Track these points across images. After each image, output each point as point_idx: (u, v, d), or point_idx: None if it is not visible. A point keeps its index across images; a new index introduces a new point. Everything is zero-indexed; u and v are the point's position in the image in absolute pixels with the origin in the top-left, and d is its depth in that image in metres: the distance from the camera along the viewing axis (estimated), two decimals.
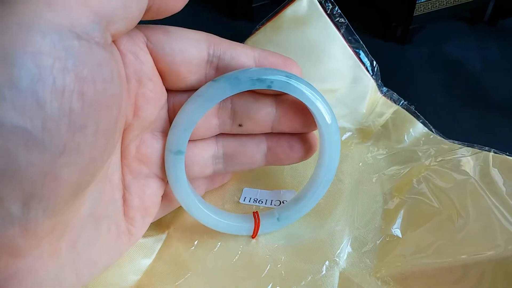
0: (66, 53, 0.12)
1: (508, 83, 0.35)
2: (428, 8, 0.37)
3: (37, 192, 0.12)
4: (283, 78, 0.18)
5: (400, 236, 0.21)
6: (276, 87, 0.18)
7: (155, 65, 0.17)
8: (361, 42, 0.28)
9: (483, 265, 0.17)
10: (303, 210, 0.21)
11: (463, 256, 0.18)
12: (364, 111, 0.29)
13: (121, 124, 0.17)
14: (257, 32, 0.28)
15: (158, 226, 0.22)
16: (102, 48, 0.14)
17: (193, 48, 0.17)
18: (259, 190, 0.24)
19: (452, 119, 0.32)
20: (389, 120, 0.28)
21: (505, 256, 0.17)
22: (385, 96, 0.29)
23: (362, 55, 0.28)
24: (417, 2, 0.36)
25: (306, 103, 0.18)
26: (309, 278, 0.20)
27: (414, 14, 0.37)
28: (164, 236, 0.22)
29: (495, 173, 0.21)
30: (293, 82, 0.18)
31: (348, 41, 0.27)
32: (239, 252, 0.21)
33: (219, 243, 0.21)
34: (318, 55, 0.28)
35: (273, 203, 0.24)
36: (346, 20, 0.27)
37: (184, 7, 0.16)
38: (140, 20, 0.15)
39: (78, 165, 0.13)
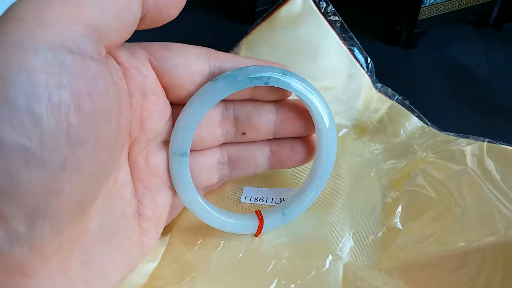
0: (60, 69, 0.12)
1: None
2: (433, 12, 0.37)
3: (41, 209, 0.12)
4: (279, 75, 0.19)
5: (400, 228, 0.21)
6: (273, 83, 0.19)
7: (159, 80, 0.18)
8: (355, 39, 0.28)
9: (483, 251, 0.18)
10: (306, 204, 0.22)
11: (462, 244, 0.18)
12: (360, 107, 0.29)
13: (124, 137, 0.16)
14: (252, 32, 0.29)
15: None
16: (96, 62, 0.13)
17: (195, 61, 0.18)
18: (259, 188, 0.25)
19: (458, 123, 0.31)
20: (384, 115, 0.29)
21: (505, 241, 0.17)
22: (380, 91, 0.30)
23: (357, 52, 0.28)
24: (421, 6, 0.36)
25: (302, 98, 0.19)
26: (313, 272, 0.20)
27: (419, 18, 0.36)
28: (167, 239, 0.22)
29: (488, 163, 0.21)
30: (288, 78, 0.19)
31: (343, 38, 0.28)
32: (243, 249, 0.21)
33: (223, 242, 0.21)
34: (312, 53, 0.28)
35: (273, 201, 0.24)
36: (340, 18, 0.27)
37: (187, 11, 0.17)
38: (137, 30, 0.15)
39: (80, 180, 0.13)
